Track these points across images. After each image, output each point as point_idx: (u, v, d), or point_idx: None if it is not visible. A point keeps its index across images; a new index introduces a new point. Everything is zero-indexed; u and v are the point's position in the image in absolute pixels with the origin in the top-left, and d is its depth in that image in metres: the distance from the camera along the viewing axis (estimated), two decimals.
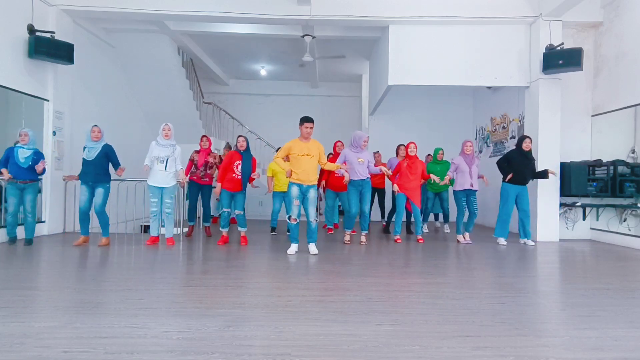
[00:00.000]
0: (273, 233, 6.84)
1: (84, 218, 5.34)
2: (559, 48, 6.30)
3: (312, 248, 4.99)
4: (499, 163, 6.12)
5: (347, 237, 5.90)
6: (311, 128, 4.90)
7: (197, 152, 6.29)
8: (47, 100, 6.42)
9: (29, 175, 5.25)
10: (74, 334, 2.35)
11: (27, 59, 6.02)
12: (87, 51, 7.32)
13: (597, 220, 6.60)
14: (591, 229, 6.76)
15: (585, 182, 6.34)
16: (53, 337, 2.31)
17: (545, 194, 6.43)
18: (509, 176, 5.91)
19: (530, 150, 5.91)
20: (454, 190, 6.19)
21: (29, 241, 5.36)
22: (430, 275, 4.06)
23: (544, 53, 6.41)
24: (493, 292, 3.38)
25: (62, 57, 6.17)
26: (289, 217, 4.93)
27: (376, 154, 7.52)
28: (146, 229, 7.72)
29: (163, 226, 5.67)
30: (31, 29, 6.01)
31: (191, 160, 6.27)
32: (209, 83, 11.90)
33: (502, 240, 6.01)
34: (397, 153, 7.01)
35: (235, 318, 2.65)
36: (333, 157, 6.74)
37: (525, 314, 2.85)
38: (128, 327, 2.46)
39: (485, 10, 6.66)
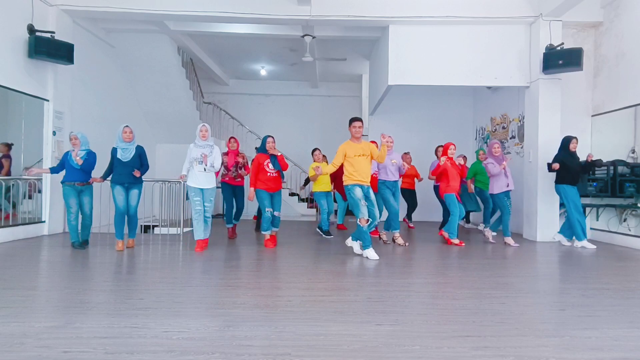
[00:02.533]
0: (329, 236, 6.54)
1: (122, 220, 5.20)
2: (559, 48, 6.30)
3: (373, 253, 4.76)
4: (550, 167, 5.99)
5: (400, 240, 5.80)
6: (360, 127, 4.83)
7: (226, 153, 6.26)
8: (47, 100, 6.42)
9: (85, 177, 5.22)
10: (74, 334, 2.35)
11: (27, 59, 6.03)
12: (87, 51, 7.32)
13: (597, 220, 6.60)
14: (591, 229, 6.76)
15: (585, 182, 6.34)
16: (53, 337, 2.31)
17: (545, 194, 6.43)
18: (555, 166, 5.78)
19: (575, 150, 5.86)
20: (495, 194, 6.00)
21: (85, 242, 5.34)
22: (431, 275, 4.07)
23: (544, 53, 6.41)
24: (493, 292, 3.38)
25: (62, 57, 6.18)
26: (359, 220, 4.71)
27: (406, 154, 7.52)
28: (146, 229, 7.72)
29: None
30: (31, 29, 6.02)
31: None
32: (209, 83, 11.90)
33: (587, 244, 5.81)
34: (441, 153, 6.99)
35: (235, 318, 2.65)
36: None
37: (525, 314, 2.85)
38: (128, 327, 2.46)
39: (485, 10, 6.65)
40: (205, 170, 5.17)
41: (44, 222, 6.43)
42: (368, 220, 4.71)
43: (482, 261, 4.81)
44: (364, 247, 4.84)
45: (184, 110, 9.62)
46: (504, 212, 5.97)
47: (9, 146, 5.98)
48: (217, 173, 6.14)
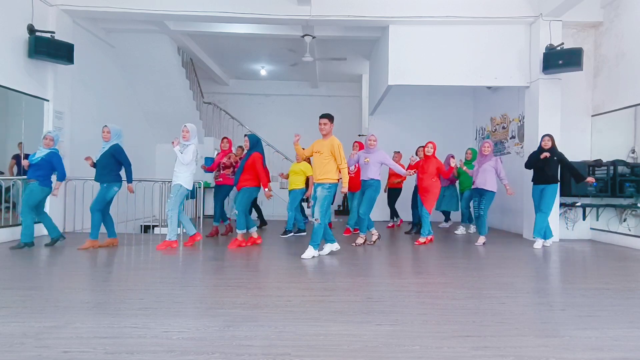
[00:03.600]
0: (284, 235, 6.71)
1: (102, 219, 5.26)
2: (559, 48, 6.30)
3: (308, 252, 4.78)
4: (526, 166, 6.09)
5: (359, 240, 5.71)
6: (325, 124, 4.83)
7: (218, 154, 6.38)
8: (47, 100, 6.42)
9: (35, 175, 5.13)
10: (74, 334, 2.35)
11: (27, 59, 6.02)
12: (87, 51, 7.32)
13: (597, 220, 6.60)
14: (591, 229, 6.76)
15: (585, 182, 6.33)
16: (53, 337, 2.31)
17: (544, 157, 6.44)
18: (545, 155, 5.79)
19: (550, 147, 5.75)
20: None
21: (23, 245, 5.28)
22: (430, 275, 4.07)
23: (544, 53, 6.41)
24: (493, 292, 3.38)
25: (62, 57, 6.17)
26: (314, 219, 4.79)
27: (397, 154, 7.53)
28: (146, 229, 7.72)
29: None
30: (31, 29, 6.01)
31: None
32: (209, 83, 11.91)
33: (539, 243, 5.79)
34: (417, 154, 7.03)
35: (235, 318, 2.65)
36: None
37: (525, 314, 2.85)
38: (128, 327, 2.46)
39: (485, 10, 6.65)
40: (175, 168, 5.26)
41: None
42: (317, 220, 4.75)
43: (482, 261, 4.81)
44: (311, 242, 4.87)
45: (184, 110, 9.63)
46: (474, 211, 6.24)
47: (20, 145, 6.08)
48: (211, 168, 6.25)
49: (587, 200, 6.54)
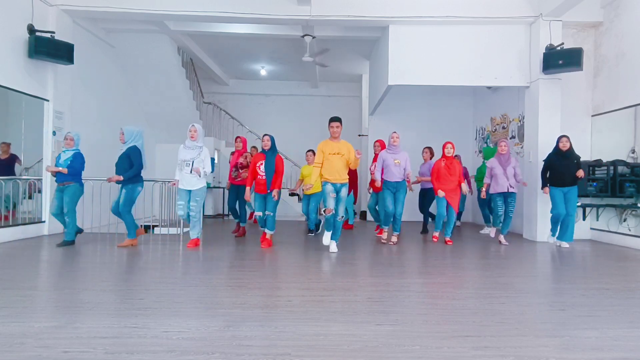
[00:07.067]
0: (310, 234, 6.76)
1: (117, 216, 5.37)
2: (559, 48, 6.30)
3: (333, 246, 5.17)
4: (542, 173, 5.92)
5: (385, 235, 6.02)
6: (338, 127, 5.12)
7: (233, 153, 6.37)
8: (47, 100, 6.42)
9: (65, 177, 5.24)
10: (74, 334, 2.35)
11: (27, 59, 6.02)
12: (87, 51, 7.32)
13: (597, 220, 6.60)
14: (591, 229, 6.76)
15: (585, 182, 6.33)
16: (53, 337, 2.31)
17: (545, 194, 6.43)
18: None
19: (568, 149, 5.64)
20: (491, 194, 6.02)
21: (65, 243, 5.33)
22: (430, 275, 4.07)
23: (544, 53, 6.41)
24: (493, 292, 3.38)
25: (62, 57, 6.18)
26: (324, 210, 5.06)
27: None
28: (146, 229, 7.71)
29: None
30: (31, 29, 6.02)
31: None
32: (209, 83, 11.91)
33: (564, 243, 5.77)
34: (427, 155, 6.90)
35: (235, 318, 2.65)
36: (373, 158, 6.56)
37: (525, 314, 2.85)
38: (128, 327, 2.46)
39: (485, 10, 6.66)
40: (191, 172, 5.20)
41: (44, 222, 6.42)
42: (332, 210, 5.01)
43: (482, 261, 4.81)
44: (325, 229, 5.19)
45: (184, 110, 9.64)
46: (494, 212, 6.07)
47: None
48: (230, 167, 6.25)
49: (587, 200, 6.54)
